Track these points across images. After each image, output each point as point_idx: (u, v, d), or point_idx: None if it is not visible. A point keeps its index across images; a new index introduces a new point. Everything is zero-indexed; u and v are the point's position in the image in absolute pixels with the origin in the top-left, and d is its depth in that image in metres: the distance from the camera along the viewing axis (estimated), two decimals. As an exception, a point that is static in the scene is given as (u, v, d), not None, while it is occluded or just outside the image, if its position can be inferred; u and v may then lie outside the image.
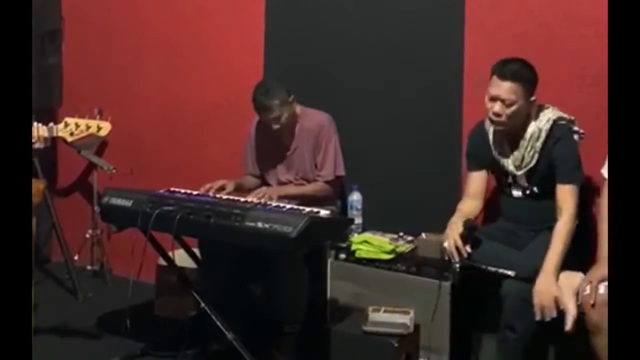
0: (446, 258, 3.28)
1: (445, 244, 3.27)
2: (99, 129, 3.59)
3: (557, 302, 2.99)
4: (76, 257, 4.81)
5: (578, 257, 3.16)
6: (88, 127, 3.58)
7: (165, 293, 4.15)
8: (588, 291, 2.85)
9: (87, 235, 4.87)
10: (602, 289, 2.82)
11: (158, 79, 4.83)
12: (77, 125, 3.58)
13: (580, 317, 2.92)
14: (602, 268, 2.86)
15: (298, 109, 3.89)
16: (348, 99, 4.15)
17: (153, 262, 3.99)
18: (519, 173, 3.28)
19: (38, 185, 4.24)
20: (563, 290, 3.01)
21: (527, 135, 3.21)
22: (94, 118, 3.64)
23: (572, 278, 3.06)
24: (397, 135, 4.06)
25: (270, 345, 3.58)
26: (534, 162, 3.23)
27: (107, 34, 4.99)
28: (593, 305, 2.80)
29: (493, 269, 3.19)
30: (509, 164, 3.29)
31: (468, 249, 3.24)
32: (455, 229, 3.26)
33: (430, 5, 3.95)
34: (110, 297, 4.32)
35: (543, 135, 3.19)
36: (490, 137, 3.35)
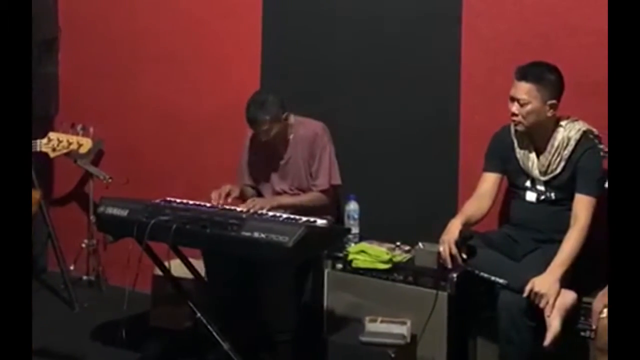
0: (440, 262, 3.28)
1: (441, 249, 3.26)
2: (79, 145, 3.56)
3: (548, 302, 3.00)
4: (72, 267, 4.79)
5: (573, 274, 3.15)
6: (69, 144, 3.56)
7: (161, 303, 4.14)
8: (605, 315, 2.76)
9: (83, 245, 4.86)
10: None
11: (155, 88, 4.82)
12: (59, 141, 3.57)
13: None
14: None
15: (292, 118, 3.85)
16: (345, 108, 4.14)
17: (149, 272, 3.98)
18: (543, 179, 3.28)
19: (34, 195, 4.24)
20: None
21: (556, 142, 3.23)
22: (77, 134, 3.61)
23: (564, 295, 3.05)
24: (394, 144, 4.05)
25: (266, 356, 3.58)
26: (559, 169, 3.25)
27: (104, 43, 4.98)
28: None
29: (486, 275, 3.19)
30: (533, 168, 3.30)
31: (463, 255, 3.24)
32: (451, 235, 3.25)
33: (427, 14, 3.95)
34: (106, 307, 4.31)
35: (572, 143, 3.22)
36: (515, 140, 3.36)
